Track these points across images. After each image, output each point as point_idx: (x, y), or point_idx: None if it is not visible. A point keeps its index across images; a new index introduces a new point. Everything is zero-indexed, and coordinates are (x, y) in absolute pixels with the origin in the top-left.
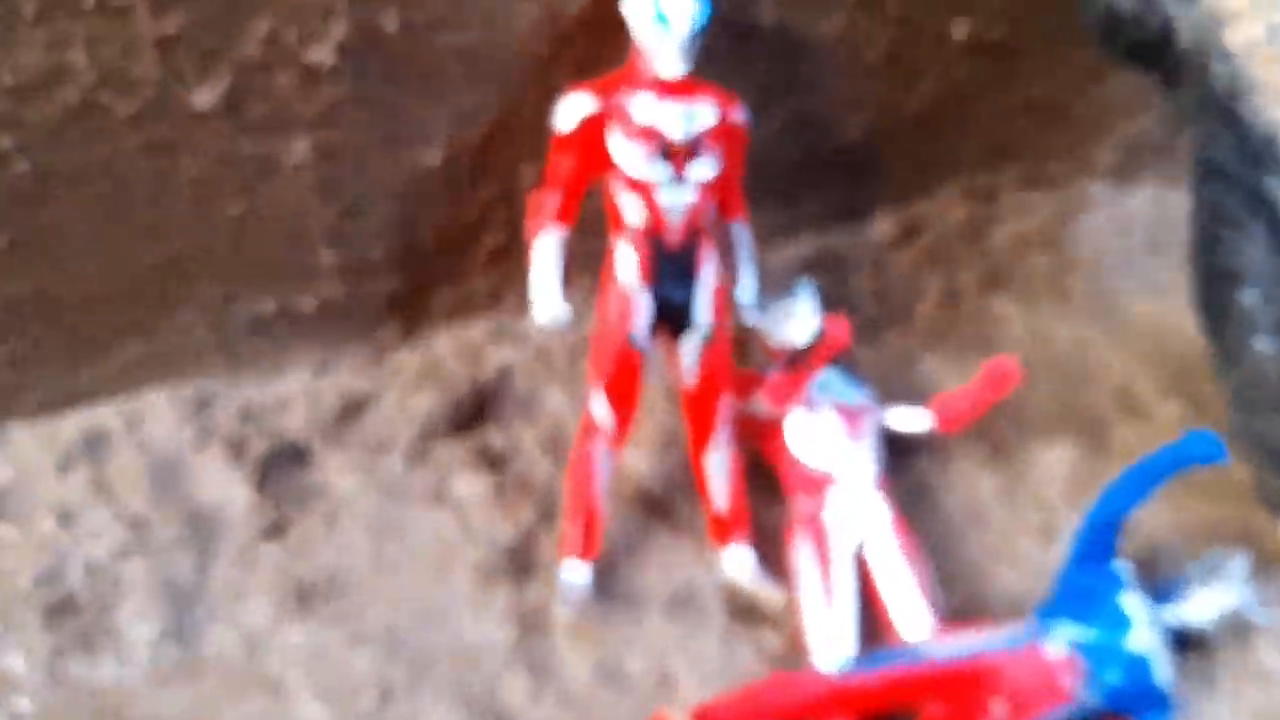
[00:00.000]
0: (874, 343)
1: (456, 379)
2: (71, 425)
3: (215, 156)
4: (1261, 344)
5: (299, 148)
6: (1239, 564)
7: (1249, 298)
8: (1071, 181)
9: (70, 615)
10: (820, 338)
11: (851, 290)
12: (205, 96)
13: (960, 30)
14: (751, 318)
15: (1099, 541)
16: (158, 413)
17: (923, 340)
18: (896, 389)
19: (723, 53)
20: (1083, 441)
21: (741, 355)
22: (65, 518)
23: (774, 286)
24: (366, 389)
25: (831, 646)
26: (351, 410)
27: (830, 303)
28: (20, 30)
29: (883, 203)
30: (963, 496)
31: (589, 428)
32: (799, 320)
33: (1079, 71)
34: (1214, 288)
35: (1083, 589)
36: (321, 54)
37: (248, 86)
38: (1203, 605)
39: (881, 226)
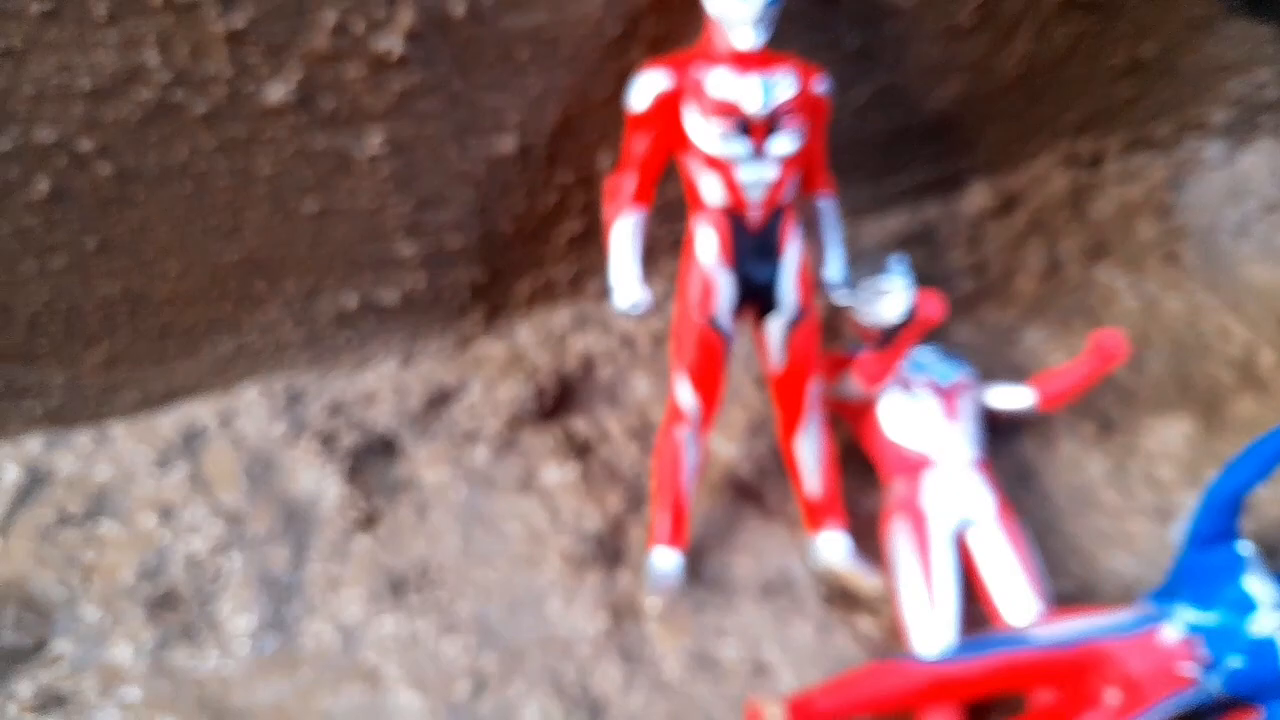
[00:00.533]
0: (972, 318)
1: (540, 367)
2: (168, 422)
3: (290, 152)
4: None
5: (373, 140)
6: None
7: None
8: (1180, 143)
9: (173, 608)
10: (912, 314)
11: (948, 265)
12: (277, 92)
13: None
14: (841, 297)
15: (1219, 521)
16: (250, 408)
17: (1024, 314)
18: (997, 366)
19: (805, 21)
20: (1199, 416)
21: (832, 335)
22: (165, 513)
23: (866, 263)
24: (452, 380)
25: (932, 634)
26: (438, 401)
27: (925, 278)
28: (94, 32)
29: (978, 173)
30: (1070, 478)
31: (674, 414)
32: (891, 298)
33: (1186, 24)
34: None
35: (1203, 571)
36: (390, 42)
37: (318, 80)
38: None
39: (978, 197)
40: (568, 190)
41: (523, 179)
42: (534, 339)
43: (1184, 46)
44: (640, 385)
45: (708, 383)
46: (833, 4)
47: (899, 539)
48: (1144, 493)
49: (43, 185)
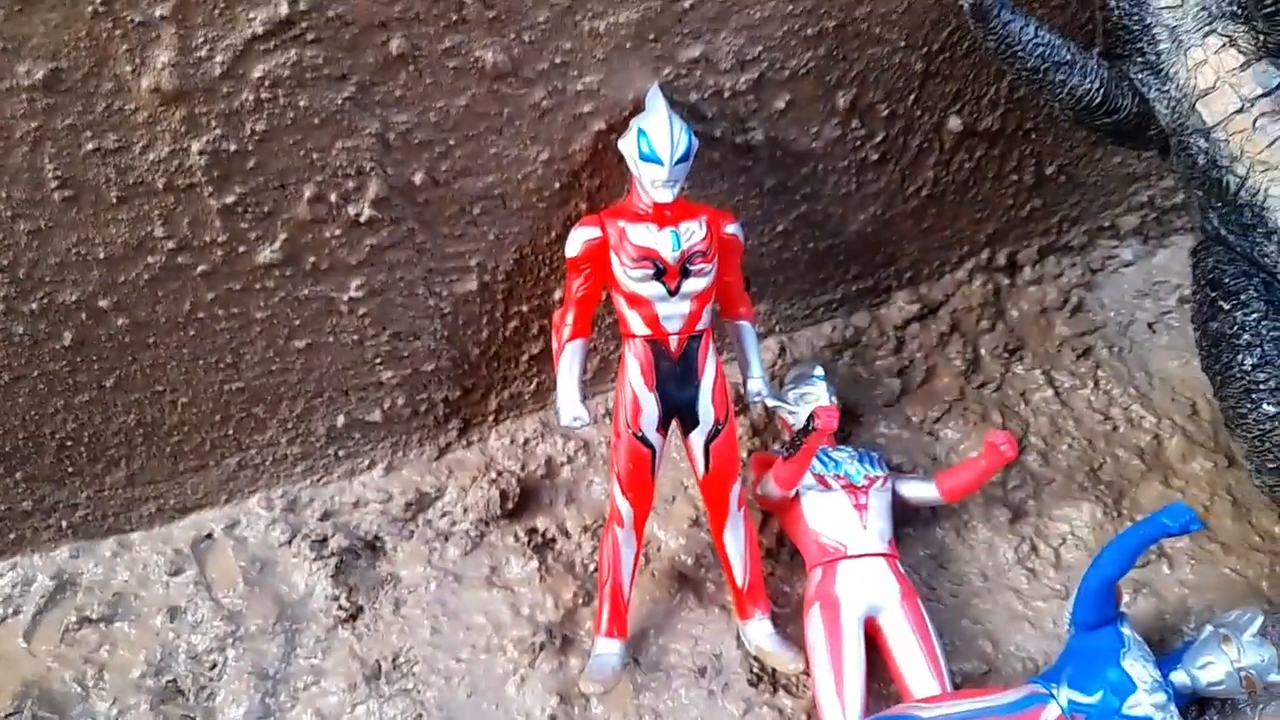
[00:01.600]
0: (898, 415)
1: (508, 471)
2: (180, 531)
3: (280, 300)
4: (1264, 407)
5: (351, 286)
6: (1254, 622)
7: (1248, 361)
8: (1094, 246)
9: (175, 700)
10: (811, 425)
11: (875, 367)
12: (266, 253)
13: (954, 123)
14: (769, 403)
15: (1096, 607)
16: (251, 516)
17: (945, 410)
18: (919, 458)
19: (727, 167)
20: (1105, 502)
21: (774, 434)
22: (173, 614)
23: (796, 369)
24: (430, 486)
25: (839, 712)
26: (417, 505)
27: (852, 380)
28: (106, 212)
29: (901, 284)
30: (983, 562)
31: (612, 515)
32: (814, 402)
33: (1085, 143)
34: (1215, 354)
35: (1085, 654)
36: (360, 208)
37: (300, 241)
38: (1213, 667)
39: (899, 307)
40: (525, 317)
41: (485, 310)
42: (503, 446)
43: (1086, 162)
44: (596, 486)
45: (638, 488)
46: (749, 153)
47: (814, 625)
48: (1051, 575)
49: (67, 337)
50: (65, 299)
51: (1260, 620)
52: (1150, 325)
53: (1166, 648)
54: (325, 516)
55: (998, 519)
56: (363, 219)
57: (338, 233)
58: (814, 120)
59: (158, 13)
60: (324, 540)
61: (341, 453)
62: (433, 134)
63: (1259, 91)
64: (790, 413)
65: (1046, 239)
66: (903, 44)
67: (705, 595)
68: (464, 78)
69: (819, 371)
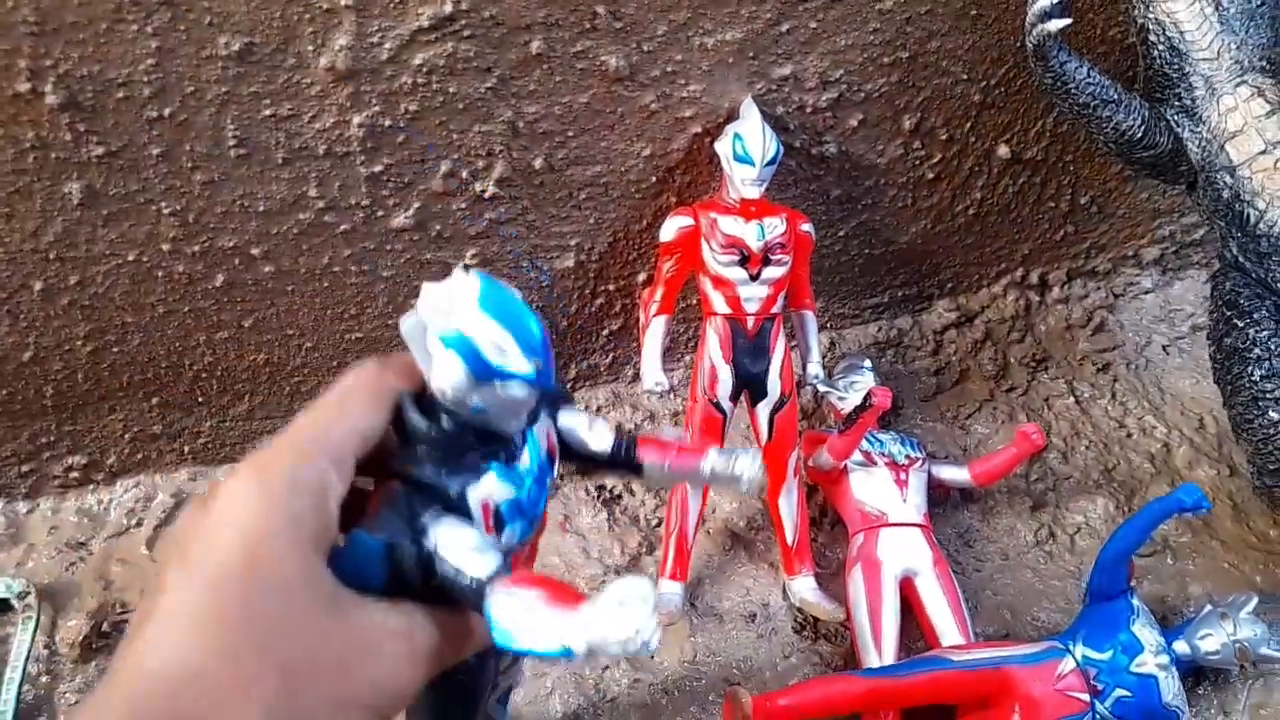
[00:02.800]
0: (933, 410)
1: None
2: None
3: (405, 262)
4: (1269, 414)
5: (468, 254)
6: (1249, 602)
7: (1257, 373)
8: (1117, 273)
9: None
10: (867, 402)
11: (914, 366)
12: (400, 219)
13: (1003, 150)
14: (821, 387)
15: (1111, 579)
16: None
17: (975, 409)
18: (952, 449)
19: (801, 175)
20: (1118, 498)
21: (819, 419)
22: None
23: (845, 362)
24: None
25: (875, 656)
26: None
27: (894, 377)
28: (271, 170)
29: (942, 293)
30: (1005, 543)
31: None
32: (860, 391)
33: (1118, 178)
34: (1228, 366)
35: (1099, 620)
36: (486, 185)
37: (432, 211)
38: (1211, 638)
39: (940, 314)
40: (610, 296)
41: (577, 287)
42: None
43: (1117, 194)
44: None
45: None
46: (822, 164)
47: (855, 582)
48: (1066, 557)
49: (219, 278)
50: (224, 244)
51: (1255, 601)
52: (1165, 348)
53: (1169, 625)
54: None
55: (1020, 506)
56: (486, 195)
57: (463, 205)
58: (881, 139)
59: (343, 2)
60: None
61: None
62: (555, 125)
63: None
64: (840, 398)
65: (1075, 263)
66: (964, 76)
67: (756, 553)
68: (588, 78)
69: (867, 363)
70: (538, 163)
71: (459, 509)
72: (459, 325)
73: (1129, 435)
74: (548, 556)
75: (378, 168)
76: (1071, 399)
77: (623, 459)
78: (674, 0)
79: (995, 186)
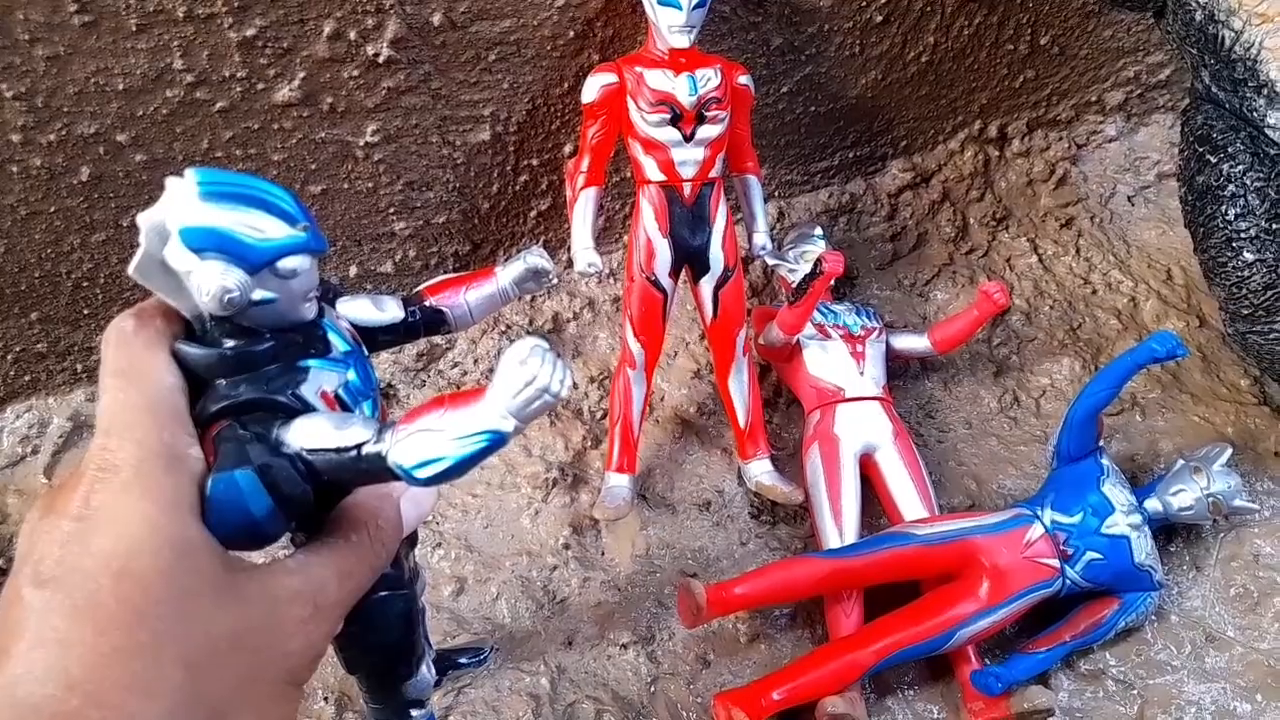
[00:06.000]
0: (891, 277)
1: (516, 326)
2: None
3: (297, 143)
4: (1243, 255)
5: (368, 131)
6: (1223, 454)
7: (1231, 212)
8: (1080, 121)
9: None
10: (818, 269)
11: (868, 234)
12: (284, 92)
13: None
14: (769, 259)
15: (1079, 437)
16: None
17: (935, 273)
18: (912, 317)
19: (736, 23)
20: (1084, 357)
21: (771, 294)
22: None
23: (800, 223)
24: (440, 339)
25: (837, 536)
26: (428, 356)
27: (848, 245)
28: (126, 40)
29: (896, 152)
30: (968, 411)
31: (624, 358)
32: (811, 261)
33: (1080, 13)
34: (1200, 206)
35: (1067, 481)
36: (379, 48)
37: (319, 80)
38: (1184, 494)
39: (894, 176)
40: (535, 172)
41: (496, 163)
42: (511, 302)
43: (1079, 33)
44: (601, 340)
45: (650, 330)
46: (759, 8)
47: (813, 461)
48: (1032, 422)
49: (84, 172)
50: (83, 131)
51: (1229, 452)
52: (1130, 199)
53: (1139, 483)
54: None
55: (983, 373)
56: (380, 59)
57: (355, 73)
58: None
59: None
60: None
61: None
62: None
63: None
64: (790, 270)
65: (1035, 112)
66: None
67: (708, 439)
68: None
69: (818, 231)
70: (436, 18)
71: (299, 409)
72: (198, 222)
73: (1094, 292)
74: (488, 458)
75: (250, 31)
76: (1034, 258)
77: (420, 318)
78: None
79: (949, 29)
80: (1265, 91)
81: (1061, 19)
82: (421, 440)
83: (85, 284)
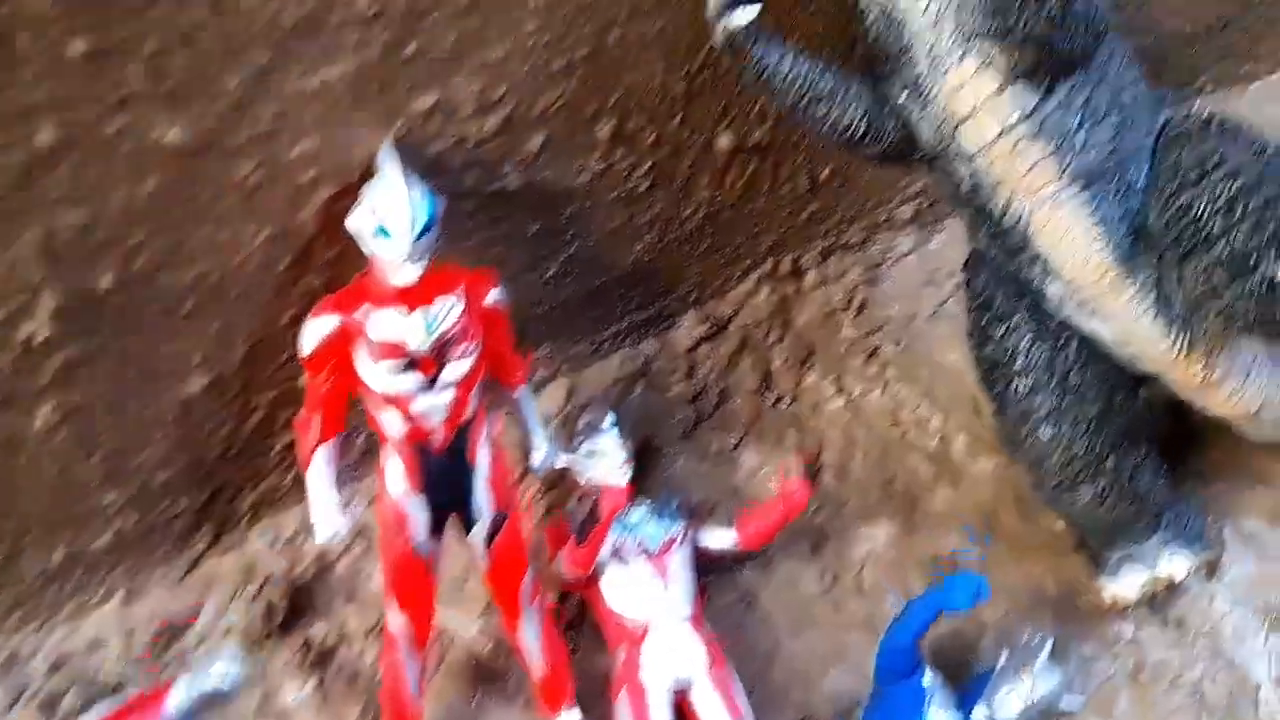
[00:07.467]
0: (693, 450)
1: (275, 575)
2: None
3: None
4: (1040, 432)
5: (41, 414)
6: (1043, 647)
7: (1023, 387)
8: (873, 241)
9: None
10: (596, 514)
11: (668, 396)
12: None
13: (724, 141)
14: (557, 463)
15: (896, 665)
16: None
17: (741, 435)
18: (719, 488)
19: (483, 216)
20: (899, 516)
21: (571, 486)
22: None
23: (592, 410)
24: (181, 606)
25: None
26: (168, 634)
27: (647, 412)
28: None
29: (685, 308)
30: (787, 599)
31: (388, 641)
32: (606, 457)
33: None
34: (991, 380)
35: (889, 707)
36: (35, 327)
37: None
38: (1010, 701)
39: (688, 330)
40: (273, 405)
41: (220, 408)
42: (264, 546)
43: (858, 162)
44: (378, 577)
45: (416, 603)
46: (506, 201)
47: (621, 709)
48: (854, 604)
49: None
50: None
51: (1050, 644)
52: (930, 317)
53: (965, 671)
54: (55, 668)
55: (799, 550)
56: (37, 340)
57: (11, 359)
58: (575, 156)
59: None
60: (56, 697)
61: (66, 591)
62: (115, 230)
63: (1017, 115)
64: (581, 471)
65: (827, 241)
66: (662, 66)
67: (508, 691)
68: (144, 160)
69: (609, 421)
70: (105, 281)
71: None
72: None
73: (904, 435)
74: None
75: None
76: (842, 400)
77: None
78: (242, 42)
79: (723, 182)
80: (1040, 263)
81: (838, 152)
82: None
83: None
